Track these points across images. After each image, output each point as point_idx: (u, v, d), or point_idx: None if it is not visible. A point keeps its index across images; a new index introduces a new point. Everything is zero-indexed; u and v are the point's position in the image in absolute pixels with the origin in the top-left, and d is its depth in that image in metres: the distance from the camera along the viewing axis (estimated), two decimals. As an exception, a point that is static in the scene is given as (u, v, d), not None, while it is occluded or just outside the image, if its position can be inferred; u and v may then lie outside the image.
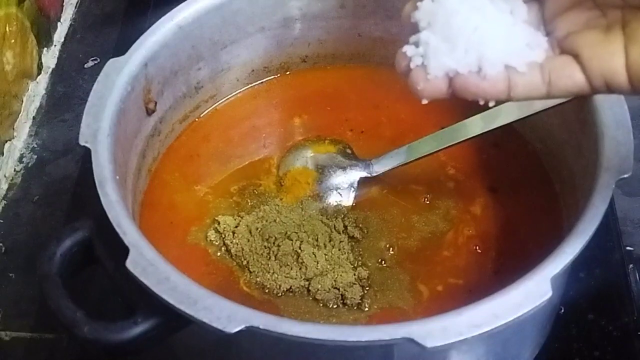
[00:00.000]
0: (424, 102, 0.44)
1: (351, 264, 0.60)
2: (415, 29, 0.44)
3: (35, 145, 0.82)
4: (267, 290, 0.59)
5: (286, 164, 0.66)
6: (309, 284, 0.59)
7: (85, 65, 0.89)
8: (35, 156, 0.81)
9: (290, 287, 0.59)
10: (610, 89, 0.42)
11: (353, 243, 0.61)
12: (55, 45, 0.90)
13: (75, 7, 0.95)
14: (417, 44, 0.44)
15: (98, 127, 0.56)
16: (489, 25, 0.43)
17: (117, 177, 0.54)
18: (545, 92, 0.43)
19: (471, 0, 0.44)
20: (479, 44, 0.43)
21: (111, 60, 0.60)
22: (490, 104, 0.44)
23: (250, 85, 0.72)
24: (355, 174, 0.65)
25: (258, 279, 0.59)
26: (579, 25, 0.44)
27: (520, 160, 0.66)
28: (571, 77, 0.43)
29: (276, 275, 0.59)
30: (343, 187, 0.64)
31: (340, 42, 0.71)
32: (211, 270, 0.60)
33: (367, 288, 0.59)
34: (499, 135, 0.64)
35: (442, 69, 0.43)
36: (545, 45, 0.44)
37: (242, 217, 0.62)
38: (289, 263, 0.59)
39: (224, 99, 0.71)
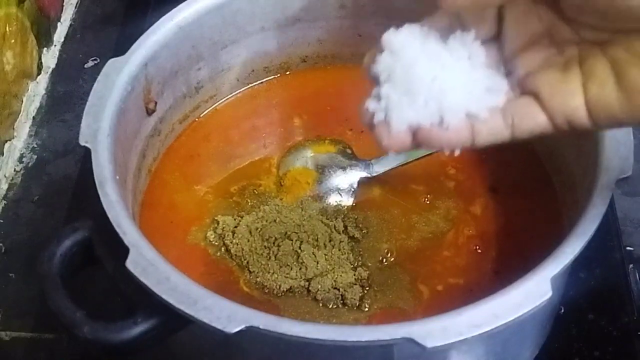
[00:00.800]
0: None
1: (351, 264, 0.60)
2: (377, 80, 0.44)
3: (35, 145, 0.82)
4: (267, 290, 0.59)
5: (286, 164, 0.66)
6: (309, 284, 0.59)
7: (85, 65, 0.89)
8: (35, 156, 0.81)
9: (290, 287, 0.59)
10: (572, 126, 0.43)
11: (353, 243, 0.61)
12: (55, 45, 0.90)
13: (75, 7, 0.95)
14: (378, 98, 0.44)
15: (98, 127, 0.56)
16: (447, 74, 0.43)
17: (117, 177, 0.54)
18: (509, 135, 0.43)
19: (428, 50, 0.43)
20: (438, 95, 0.42)
21: (111, 60, 0.60)
22: (456, 153, 0.44)
23: (250, 85, 0.72)
24: (355, 174, 0.65)
25: (258, 279, 0.59)
26: (537, 64, 0.44)
27: (520, 160, 0.66)
28: (533, 119, 0.43)
29: (276, 276, 0.59)
30: (343, 187, 0.64)
31: (340, 42, 0.71)
32: (211, 270, 0.60)
33: (367, 288, 0.59)
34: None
35: (404, 123, 0.43)
36: (506, 88, 0.44)
37: (242, 217, 0.62)
38: (289, 263, 0.59)
39: (224, 99, 0.71)
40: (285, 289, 0.59)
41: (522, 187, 0.64)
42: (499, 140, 0.44)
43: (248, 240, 0.61)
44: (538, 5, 0.43)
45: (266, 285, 0.59)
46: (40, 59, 0.87)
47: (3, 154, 0.79)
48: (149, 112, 0.63)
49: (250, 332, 0.46)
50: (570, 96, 0.42)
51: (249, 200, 0.64)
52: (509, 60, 0.45)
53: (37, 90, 0.86)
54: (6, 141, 0.80)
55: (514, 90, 0.44)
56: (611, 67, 0.41)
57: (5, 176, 0.79)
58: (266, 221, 0.62)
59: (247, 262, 0.60)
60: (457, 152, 0.44)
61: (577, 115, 0.42)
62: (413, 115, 0.43)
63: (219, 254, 0.61)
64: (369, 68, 0.45)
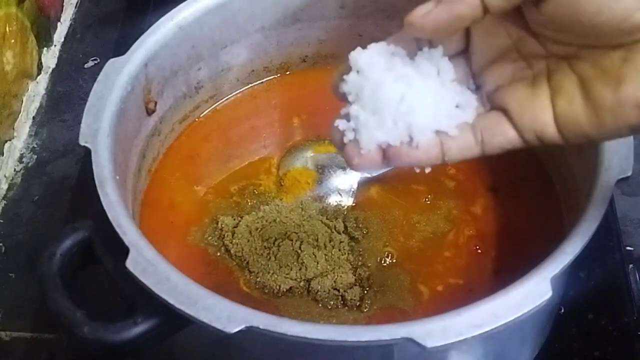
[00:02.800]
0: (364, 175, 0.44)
1: (351, 265, 0.60)
2: (346, 99, 0.44)
3: (35, 145, 0.82)
4: (267, 290, 0.59)
5: (286, 164, 0.66)
6: (309, 284, 0.59)
7: (85, 65, 0.89)
8: (35, 156, 0.81)
9: (290, 288, 0.59)
10: (542, 141, 0.42)
11: (353, 243, 0.61)
12: (55, 45, 0.90)
13: (75, 7, 0.95)
14: (348, 117, 0.44)
15: (98, 127, 0.56)
16: (415, 93, 0.43)
17: (117, 177, 0.54)
18: (480, 151, 0.43)
19: (395, 69, 0.43)
20: (407, 115, 0.42)
21: (111, 60, 0.60)
22: (427, 170, 0.44)
23: (250, 85, 0.72)
24: (355, 174, 0.65)
25: (258, 279, 0.59)
26: (506, 78, 0.43)
27: (520, 160, 0.65)
28: (503, 135, 0.43)
29: (276, 276, 0.59)
30: (343, 187, 0.64)
31: (340, 42, 0.71)
32: (211, 270, 0.60)
33: (367, 289, 0.59)
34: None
35: (373, 143, 0.43)
36: (475, 103, 0.43)
37: (242, 217, 0.62)
38: (289, 263, 0.59)
39: (224, 99, 0.71)
40: (285, 289, 0.59)
41: (522, 187, 0.64)
42: (470, 156, 0.44)
43: (248, 241, 0.61)
44: (504, 20, 0.43)
45: (266, 285, 0.59)
46: (40, 59, 0.87)
47: (3, 154, 0.79)
48: (149, 112, 0.63)
49: (250, 332, 0.46)
50: (539, 111, 0.42)
51: (249, 200, 0.64)
52: (477, 74, 0.45)
53: (37, 90, 0.86)
54: (6, 141, 0.80)
55: (484, 105, 0.44)
56: (578, 82, 0.41)
57: (5, 176, 0.79)
58: (266, 221, 0.62)
59: (247, 262, 0.60)
60: (427, 170, 0.44)
61: (547, 131, 0.42)
62: (382, 135, 0.43)
63: (219, 254, 0.61)
64: (337, 86, 0.45)
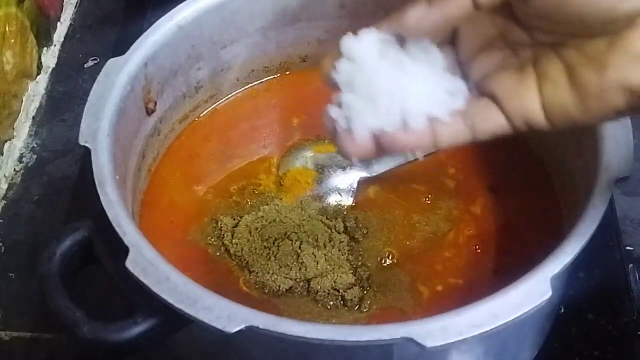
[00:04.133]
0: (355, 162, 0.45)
1: (351, 265, 0.60)
2: (337, 87, 0.44)
3: (35, 145, 0.82)
4: (267, 291, 0.59)
5: (286, 164, 0.66)
6: (309, 284, 0.59)
7: (85, 65, 0.89)
8: (35, 156, 0.81)
9: (290, 288, 0.59)
10: (530, 127, 0.43)
11: (353, 243, 0.61)
12: (55, 45, 0.91)
13: (75, 7, 0.95)
14: (340, 105, 0.44)
15: (98, 127, 0.56)
16: (409, 80, 0.43)
17: (117, 177, 0.54)
18: (471, 137, 0.44)
19: (389, 57, 0.43)
20: (401, 101, 0.43)
21: (111, 60, 0.60)
22: (419, 157, 0.45)
23: (250, 85, 0.72)
24: (355, 174, 0.65)
25: (258, 279, 0.59)
26: (493, 66, 0.44)
27: (520, 160, 0.66)
28: (493, 121, 0.43)
29: (276, 276, 0.59)
30: (343, 187, 0.64)
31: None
32: (211, 270, 0.60)
33: (367, 289, 0.59)
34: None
35: (367, 130, 0.43)
36: (466, 91, 0.44)
37: (242, 217, 0.62)
38: (289, 263, 0.59)
39: (224, 99, 0.71)
40: (285, 289, 0.59)
41: (522, 187, 0.64)
42: (461, 142, 0.44)
43: (248, 241, 0.61)
44: (491, 12, 0.44)
45: (266, 285, 0.59)
46: (40, 59, 0.87)
47: (3, 154, 0.79)
48: (149, 112, 0.63)
49: (250, 332, 0.46)
50: (527, 98, 0.43)
51: (249, 200, 0.64)
52: (465, 63, 0.45)
53: (37, 90, 0.86)
54: (6, 141, 0.80)
55: (472, 92, 0.44)
56: (564, 68, 0.42)
57: (5, 176, 0.79)
58: (266, 221, 0.62)
59: (247, 262, 0.60)
60: (420, 156, 0.45)
61: (535, 117, 0.43)
62: (376, 122, 0.43)
63: (218, 254, 0.61)
64: (328, 74, 0.45)
